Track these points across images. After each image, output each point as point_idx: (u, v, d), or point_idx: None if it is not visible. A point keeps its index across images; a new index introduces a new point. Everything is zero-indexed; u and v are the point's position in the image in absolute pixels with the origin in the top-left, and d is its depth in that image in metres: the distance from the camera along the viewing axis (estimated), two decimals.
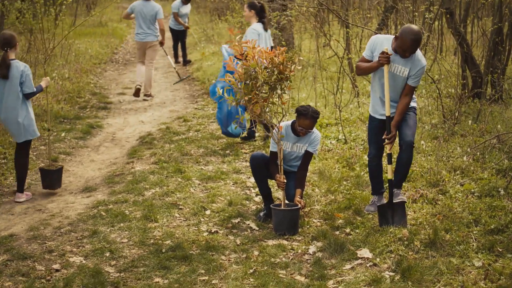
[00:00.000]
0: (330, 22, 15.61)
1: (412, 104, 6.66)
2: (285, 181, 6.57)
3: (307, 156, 6.81)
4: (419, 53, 6.42)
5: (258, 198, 7.38)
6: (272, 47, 9.19)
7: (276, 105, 6.50)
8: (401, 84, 6.46)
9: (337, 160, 8.45)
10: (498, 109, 9.90)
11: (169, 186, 7.66)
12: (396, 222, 6.41)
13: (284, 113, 6.61)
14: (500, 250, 5.77)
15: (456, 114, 9.35)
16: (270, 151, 6.85)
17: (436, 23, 14.77)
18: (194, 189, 7.66)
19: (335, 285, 5.36)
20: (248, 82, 6.29)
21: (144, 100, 13.03)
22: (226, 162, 8.70)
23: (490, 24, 10.94)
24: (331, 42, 11.60)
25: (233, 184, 7.89)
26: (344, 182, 7.70)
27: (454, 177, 7.56)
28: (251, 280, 5.43)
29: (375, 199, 6.95)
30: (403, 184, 6.99)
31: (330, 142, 9.23)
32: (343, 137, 9.28)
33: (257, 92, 6.26)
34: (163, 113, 11.83)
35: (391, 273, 5.48)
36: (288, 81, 6.41)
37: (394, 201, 6.52)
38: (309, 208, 7.02)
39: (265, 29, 9.39)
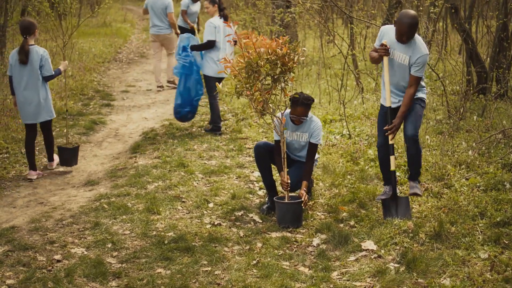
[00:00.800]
0: (334, 20, 15.58)
1: (420, 95, 6.58)
2: (289, 181, 6.51)
3: (312, 147, 6.75)
4: (419, 41, 6.36)
5: (262, 192, 7.32)
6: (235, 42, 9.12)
7: (279, 97, 6.45)
8: (405, 73, 6.41)
9: (341, 155, 8.39)
10: (503, 105, 9.85)
11: (172, 179, 7.61)
12: (400, 215, 6.35)
13: (287, 105, 6.55)
14: (506, 242, 5.70)
15: (461, 110, 9.28)
16: (275, 140, 6.81)
17: (441, 23, 14.74)
18: (197, 183, 7.61)
19: (339, 277, 5.30)
20: (251, 75, 6.23)
21: (168, 86, 13.74)
22: (229, 157, 8.65)
23: (495, 21, 10.87)
24: (335, 39, 11.53)
25: (236, 178, 7.83)
26: (348, 176, 7.64)
27: (459, 171, 7.50)
28: (254, 271, 5.37)
29: (387, 189, 6.89)
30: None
31: (334, 137, 9.18)
32: (347, 132, 9.21)
33: (259, 84, 6.21)
34: (166, 110, 11.78)
35: (396, 265, 5.42)
36: (291, 73, 6.36)
37: (398, 195, 6.49)
38: (313, 202, 6.96)
39: (226, 20, 9.41)
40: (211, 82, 9.72)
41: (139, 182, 7.51)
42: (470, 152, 7.92)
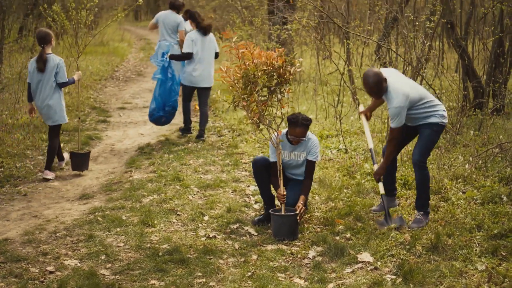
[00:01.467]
0: (330, 38, 15.61)
1: (432, 119, 6.48)
2: (285, 193, 6.47)
3: (310, 165, 6.72)
4: (390, 93, 6.32)
5: (258, 206, 7.28)
6: (217, 53, 10.58)
7: (276, 109, 6.42)
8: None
9: (338, 169, 8.36)
10: (500, 121, 9.83)
11: (167, 193, 7.56)
12: (393, 222, 6.37)
13: (283, 117, 6.53)
14: (504, 254, 5.66)
15: (458, 126, 9.25)
16: (271, 162, 6.76)
17: (437, 42, 14.78)
18: (192, 196, 7.56)
19: None
20: (247, 86, 6.21)
21: None
22: (225, 171, 8.60)
23: (491, 37, 10.89)
24: (332, 55, 11.54)
25: (232, 192, 7.79)
26: (345, 190, 7.59)
27: (456, 185, 7.46)
28: (249, 282, 5.32)
29: (382, 203, 6.85)
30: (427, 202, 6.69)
31: (331, 152, 9.15)
32: (344, 147, 9.18)
33: (255, 95, 6.19)
34: (163, 126, 11.74)
35: (393, 276, 5.36)
36: (288, 84, 6.34)
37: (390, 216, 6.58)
38: (309, 215, 6.91)
39: (204, 34, 10.33)
40: (186, 90, 10.57)
41: (134, 196, 7.46)
42: (467, 166, 7.89)
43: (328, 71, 14.89)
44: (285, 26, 12.59)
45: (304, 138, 6.63)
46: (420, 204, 6.53)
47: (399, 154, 7.34)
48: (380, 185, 6.64)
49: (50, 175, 8.41)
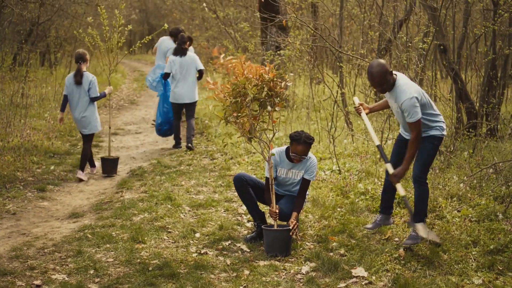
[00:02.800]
0: (324, 64, 15.64)
1: (432, 132, 6.31)
2: (278, 210, 6.38)
3: (305, 183, 6.64)
4: (401, 86, 6.16)
5: (250, 224, 7.16)
6: (201, 71, 11.53)
7: (267, 123, 6.36)
8: (401, 117, 6.33)
9: (331, 189, 8.27)
10: (493, 143, 9.78)
11: (158, 212, 7.45)
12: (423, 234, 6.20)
13: (274, 131, 6.46)
14: (501, 268, 5.56)
15: (451, 148, 9.19)
16: (265, 177, 6.67)
17: (430, 73, 14.81)
18: (184, 215, 7.45)
19: None
20: (237, 99, 6.16)
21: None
22: (217, 192, 8.50)
23: (484, 58, 10.91)
24: (325, 78, 11.53)
25: (224, 211, 7.68)
26: (338, 209, 7.49)
27: (451, 203, 7.36)
28: None
29: (378, 218, 6.75)
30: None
31: (324, 173, 9.06)
32: (337, 168, 9.11)
33: (246, 108, 6.13)
34: (155, 151, 11.67)
35: None
36: (278, 98, 6.28)
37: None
38: (302, 233, 6.80)
39: (180, 56, 11.36)
40: (173, 107, 11.50)
41: (124, 214, 7.35)
42: (461, 185, 7.81)
43: (322, 97, 14.86)
44: (278, 52, 12.60)
45: (305, 157, 6.55)
46: (417, 219, 6.31)
47: None
48: (399, 186, 6.33)
49: (83, 175, 9.39)
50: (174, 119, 11.56)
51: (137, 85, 24.16)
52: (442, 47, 9.57)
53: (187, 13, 27.12)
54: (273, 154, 6.49)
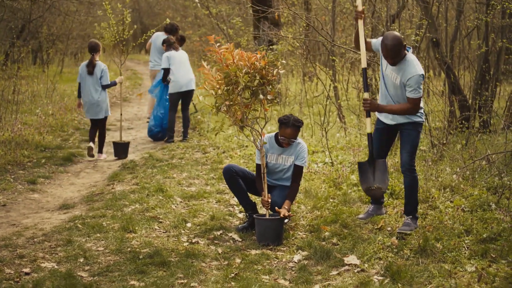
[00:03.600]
0: (316, 58, 15.59)
1: (414, 118, 6.34)
2: (270, 200, 6.33)
3: (297, 170, 6.59)
4: (411, 61, 6.16)
5: (242, 215, 7.10)
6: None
7: (259, 111, 6.31)
8: (397, 91, 6.29)
9: (324, 181, 8.22)
10: (486, 137, 9.77)
11: (149, 203, 7.38)
12: (377, 181, 6.20)
13: (266, 119, 6.41)
14: (494, 256, 5.51)
15: (444, 141, 9.16)
16: (256, 164, 6.64)
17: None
18: (175, 206, 7.39)
19: None
20: (229, 87, 6.10)
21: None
22: (209, 184, 8.45)
23: (477, 51, 10.89)
24: (317, 72, 11.50)
25: (216, 202, 7.63)
26: (331, 200, 7.45)
27: (444, 194, 7.33)
28: (233, 283, 5.15)
29: (370, 209, 6.73)
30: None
31: (317, 165, 9.02)
32: (330, 161, 9.07)
33: (238, 97, 6.08)
34: (146, 145, 11.61)
35: (380, 278, 5.21)
36: (270, 86, 6.23)
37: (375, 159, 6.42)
38: (294, 223, 6.75)
39: (176, 50, 11.89)
40: (173, 98, 11.77)
41: (115, 205, 7.28)
42: (454, 176, 7.78)
43: (314, 93, 14.82)
44: (271, 46, 12.55)
45: (294, 140, 6.51)
46: (409, 209, 6.35)
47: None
48: (368, 121, 6.42)
49: (102, 156, 10.47)
50: (172, 111, 11.75)
51: (129, 83, 24.06)
52: (434, 40, 9.53)
53: (180, 11, 27.06)
54: (265, 143, 6.44)
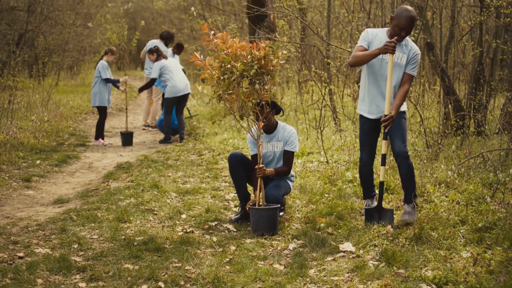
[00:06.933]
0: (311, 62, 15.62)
1: (402, 108, 6.39)
2: (264, 166, 6.27)
3: (287, 154, 6.60)
4: (410, 40, 6.29)
5: (237, 209, 7.09)
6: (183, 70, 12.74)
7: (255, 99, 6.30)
8: (400, 74, 6.25)
9: (319, 178, 8.22)
10: (480, 138, 9.79)
11: (144, 197, 7.36)
12: (383, 222, 6.17)
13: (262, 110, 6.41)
14: (489, 243, 5.51)
15: (439, 141, 9.18)
16: (251, 156, 6.63)
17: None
18: (170, 200, 7.38)
19: (316, 273, 5.06)
20: (224, 76, 6.10)
21: (144, 129, 14.69)
22: (204, 182, 8.43)
23: (471, 54, 10.94)
24: (312, 75, 11.53)
25: (211, 198, 7.61)
26: (326, 195, 7.44)
27: (439, 189, 7.33)
28: (227, 267, 5.13)
29: (369, 202, 6.72)
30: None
31: (312, 164, 9.02)
32: (325, 159, 9.07)
33: (236, 86, 6.08)
34: (142, 149, 11.61)
35: (375, 262, 5.20)
36: (269, 76, 6.24)
37: (383, 207, 6.31)
38: (289, 216, 6.74)
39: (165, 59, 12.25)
40: (169, 103, 12.17)
41: (110, 199, 7.26)
42: (449, 173, 7.78)
43: (309, 103, 14.86)
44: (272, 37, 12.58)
45: (265, 121, 6.44)
46: (409, 197, 6.26)
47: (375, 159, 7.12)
48: (382, 169, 6.32)
49: (98, 142, 12.10)
50: (168, 114, 12.20)
51: (124, 96, 24.10)
52: (429, 41, 9.59)
53: (176, 25, 27.17)
54: (262, 133, 6.44)
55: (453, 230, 5.85)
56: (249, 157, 6.83)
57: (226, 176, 8.79)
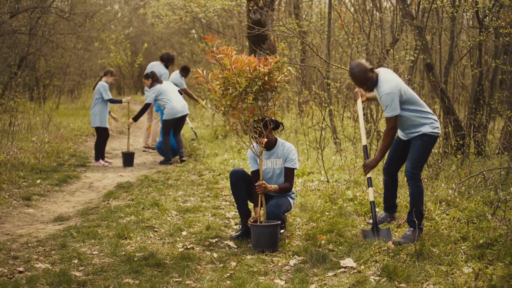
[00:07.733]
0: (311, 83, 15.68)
1: (424, 129, 6.28)
2: (264, 182, 6.27)
3: (288, 171, 6.59)
4: (380, 82, 6.23)
5: (238, 227, 7.07)
6: (180, 91, 13.17)
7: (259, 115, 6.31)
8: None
9: (319, 196, 8.21)
10: (481, 159, 9.80)
11: (145, 215, 7.35)
12: (382, 236, 6.18)
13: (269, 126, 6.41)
14: (491, 259, 5.50)
15: (440, 161, 9.19)
16: (251, 171, 6.63)
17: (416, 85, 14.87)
18: (171, 218, 7.36)
19: None
20: (228, 90, 6.12)
21: (144, 150, 14.59)
22: (205, 201, 8.42)
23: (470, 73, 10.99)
24: (312, 91, 11.57)
25: (211, 216, 7.60)
26: (326, 213, 7.43)
27: (440, 208, 7.33)
28: (228, 282, 5.11)
29: (382, 215, 6.87)
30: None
31: (312, 183, 9.01)
32: (326, 179, 9.07)
33: (238, 102, 6.09)
34: (142, 170, 11.60)
35: (377, 278, 5.18)
36: (274, 92, 6.25)
37: (378, 226, 6.35)
38: (289, 233, 6.73)
39: (161, 83, 12.35)
40: (168, 125, 12.19)
41: (111, 217, 7.25)
42: (450, 191, 7.78)
43: (309, 125, 14.89)
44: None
45: (264, 136, 6.43)
46: (411, 219, 6.22)
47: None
48: (370, 190, 6.50)
49: (98, 163, 12.03)
50: (166, 135, 12.20)
51: (125, 119, 24.16)
52: (428, 61, 9.64)
53: (176, 49, 27.31)
54: (264, 149, 6.43)
55: (454, 247, 5.84)
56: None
57: (226, 195, 8.78)
